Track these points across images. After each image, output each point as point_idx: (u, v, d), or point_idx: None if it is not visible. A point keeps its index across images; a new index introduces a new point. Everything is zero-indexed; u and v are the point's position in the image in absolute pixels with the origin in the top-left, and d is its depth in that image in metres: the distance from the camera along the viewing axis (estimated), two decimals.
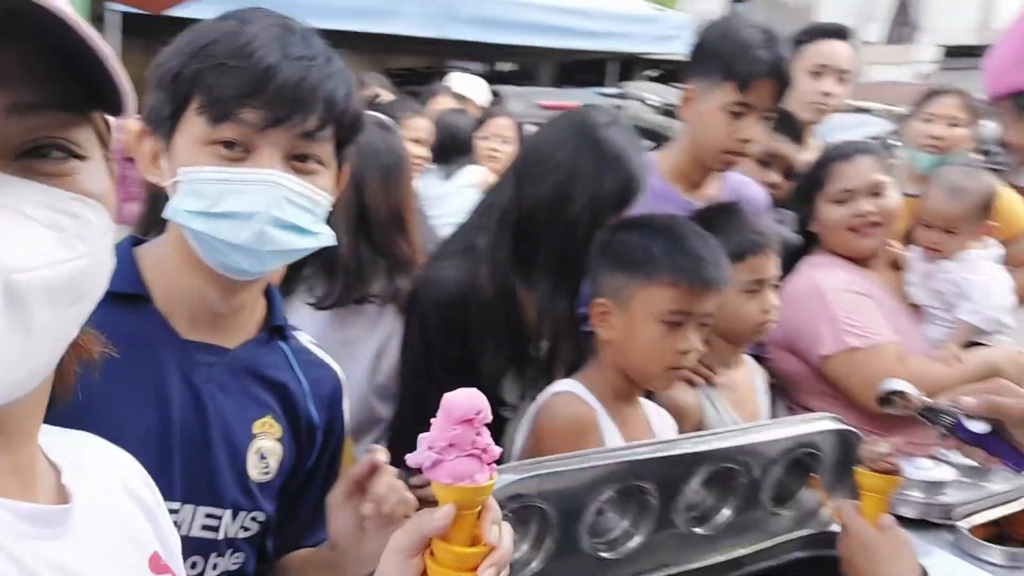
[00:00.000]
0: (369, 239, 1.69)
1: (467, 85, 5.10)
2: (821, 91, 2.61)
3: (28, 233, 0.52)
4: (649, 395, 1.60)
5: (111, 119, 0.62)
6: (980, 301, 2.04)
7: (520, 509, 1.18)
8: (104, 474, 0.72)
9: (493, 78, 16.18)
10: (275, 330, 1.11)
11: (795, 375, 2.04)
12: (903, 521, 1.54)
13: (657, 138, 9.65)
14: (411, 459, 0.72)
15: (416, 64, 13.70)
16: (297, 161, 0.96)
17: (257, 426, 1.06)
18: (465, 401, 0.73)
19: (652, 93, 10.14)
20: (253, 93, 0.92)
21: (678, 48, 11.34)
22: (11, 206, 0.52)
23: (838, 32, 2.75)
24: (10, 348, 0.51)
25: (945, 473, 1.60)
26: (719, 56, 1.83)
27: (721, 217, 1.74)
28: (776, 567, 1.44)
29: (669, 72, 14.80)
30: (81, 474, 0.68)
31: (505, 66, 17.70)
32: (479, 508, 0.73)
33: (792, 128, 2.43)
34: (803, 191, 2.18)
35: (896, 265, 2.21)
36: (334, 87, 0.97)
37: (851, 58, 2.69)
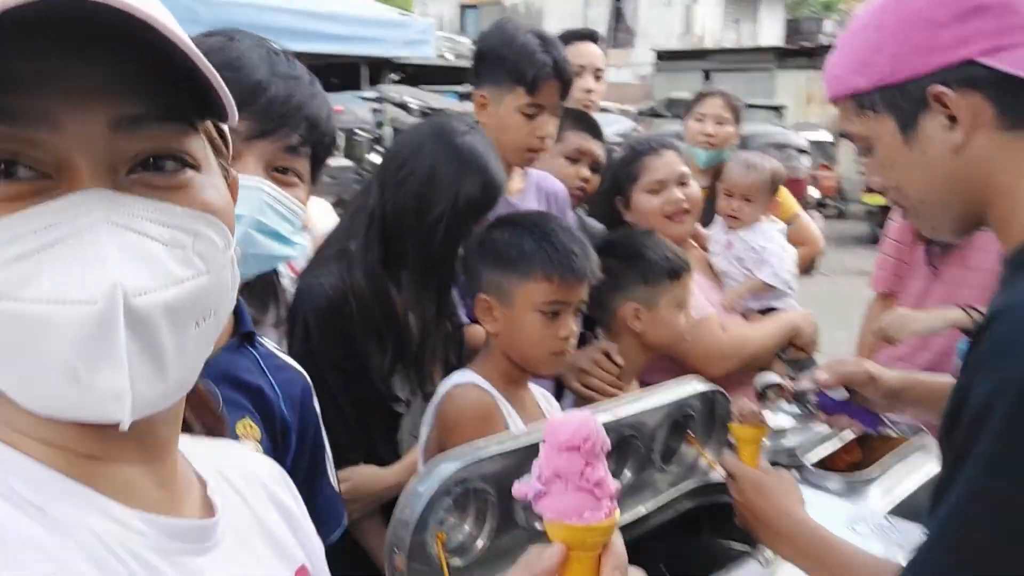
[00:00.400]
0: None
1: None
2: (583, 89, 2.81)
3: (146, 253, 0.50)
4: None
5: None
6: (776, 265, 2.37)
7: (464, 492, 1.23)
8: (249, 484, 0.71)
9: None
10: (245, 336, 1.08)
11: None
12: None
13: None
14: (516, 489, 0.67)
15: None
16: (278, 173, 0.97)
17: (239, 428, 1.03)
18: (570, 425, 0.65)
19: (410, 96, 10.32)
20: (243, 104, 0.91)
21: (427, 52, 11.61)
22: (125, 225, 0.50)
23: (589, 35, 3.01)
24: (143, 372, 0.50)
25: (784, 421, 1.85)
26: (504, 62, 1.96)
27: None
28: (674, 518, 1.59)
29: (412, 75, 15.10)
30: (226, 486, 0.68)
31: None
32: (598, 550, 0.66)
33: (592, 125, 2.64)
34: (615, 184, 2.39)
35: (700, 246, 2.51)
36: (317, 108, 1.01)
37: (602, 58, 2.96)
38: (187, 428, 0.66)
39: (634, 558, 1.50)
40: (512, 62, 1.93)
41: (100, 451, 0.56)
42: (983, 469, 0.88)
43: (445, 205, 1.61)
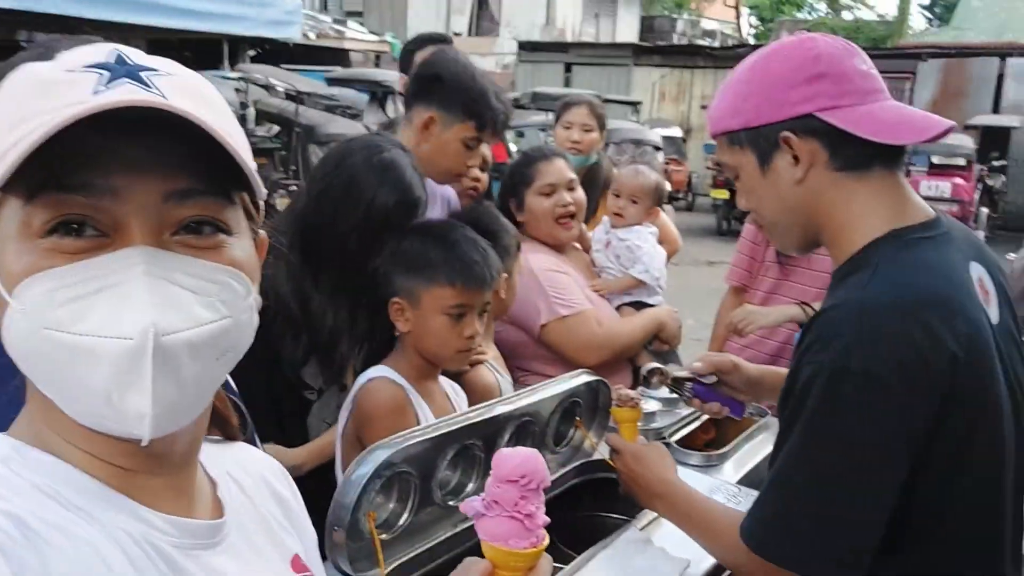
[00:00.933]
0: None
1: None
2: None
3: (177, 300, 0.61)
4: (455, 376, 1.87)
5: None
6: (648, 263, 2.64)
7: (392, 475, 1.40)
8: (252, 480, 0.83)
9: None
10: None
11: (518, 344, 2.45)
12: None
13: (282, 123, 9.60)
14: (464, 506, 0.79)
15: None
16: None
17: None
18: (513, 460, 0.74)
19: (275, 78, 10.09)
20: None
21: (292, 32, 11.39)
22: (165, 277, 0.62)
23: (443, 39, 3.22)
24: (165, 394, 0.61)
25: (652, 405, 2.12)
26: (463, 98, 2.14)
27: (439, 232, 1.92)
28: (562, 493, 1.82)
29: (269, 53, 14.70)
30: (233, 484, 0.79)
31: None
32: (521, 573, 0.74)
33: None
34: (510, 187, 2.58)
35: (584, 247, 2.76)
36: None
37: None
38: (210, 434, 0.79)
39: None
40: (471, 100, 2.13)
41: (132, 464, 0.67)
42: (804, 434, 1.17)
43: (359, 215, 1.74)
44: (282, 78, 10.11)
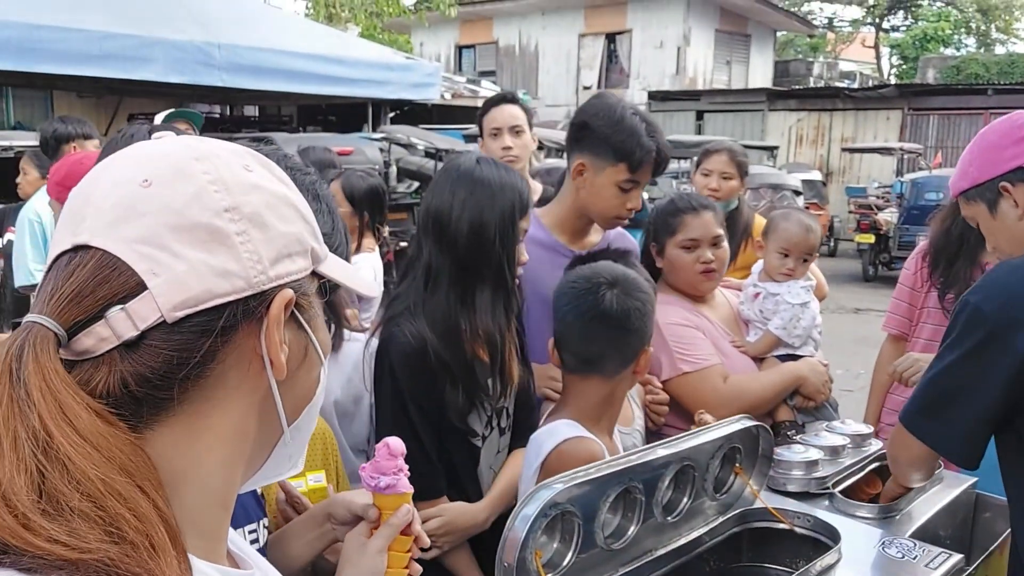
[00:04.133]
0: None
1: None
2: (501, 147, 2.99)
3: None
4: None
5: None
6: (787, 318, 2.51)
7: (557, 515, 1.42)
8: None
9: (238, 122, 15.81)
10: None
11: None
12: (789, 495, 1.97)
13: (422, 179, 9.98)
14: (361, 467, 1.07)
15: (157, 108, 13.05)
16: None
17: None
18: (400, 443, 1.08)
19: (416, 137, 10.55)
20: None
21: (432, 94, 11.90)
22: None
23: (510, 98, 3.22)
24: None
25: (814, 454, 2.04)
26: (611, 141, 2.13)
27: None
28: (722, 542, 1.78)
29: (406, 113, 15.39)
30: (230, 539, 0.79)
31: (248, 109, 17.36)
32: (390, 511, 1.05)
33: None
34: (653, 232, 2.57)
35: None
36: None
37: (520, 116, 3.09)
38: None
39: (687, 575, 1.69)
40: (619, 141, 2.12)
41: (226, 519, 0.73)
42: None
43: (496, 224, 1.80)
44: (422, 137, 10.54)
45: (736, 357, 2.46)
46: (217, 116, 16.34)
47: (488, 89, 21.34)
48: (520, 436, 1.95)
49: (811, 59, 31.82)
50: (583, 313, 1.75)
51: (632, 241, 2.46)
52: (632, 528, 1.57)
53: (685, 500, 1.69)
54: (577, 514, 1.45)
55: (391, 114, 14.70)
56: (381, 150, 10.38)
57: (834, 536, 1.72)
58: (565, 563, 1.46)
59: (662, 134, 2.23)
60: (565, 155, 2.38)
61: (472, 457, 1.85)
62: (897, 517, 1.89)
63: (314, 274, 0.72)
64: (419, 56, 13.84)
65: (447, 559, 1.75)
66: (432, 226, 1.85)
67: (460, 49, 27.93)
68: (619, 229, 2.43)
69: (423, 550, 1.10)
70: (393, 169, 10.37)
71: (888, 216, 13.16)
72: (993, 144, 1.71)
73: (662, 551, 1.65)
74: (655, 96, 21.42)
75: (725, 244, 2.48)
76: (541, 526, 1.38)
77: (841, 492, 1.97)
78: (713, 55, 24.15)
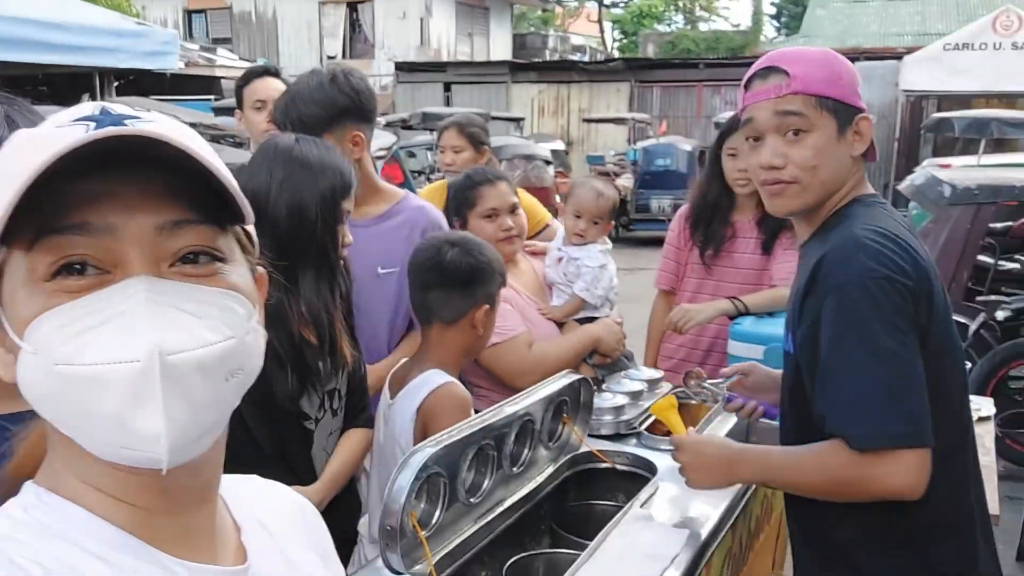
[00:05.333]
0: None
1: None
2: (267, 121, 2.92)
3: (180, 322, 0.63)
4: None
5: None
6: (589, 281, 2.74)
7: (428, 477, 1.52)
8: (282, 525, 0.81)
9: None
10: None
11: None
12: (603, 438, 2.21)
13: None
14: None
15: None
16: None
17: None
18: None
19: (157, 110, 9.84)
20: None
21: (171, 63, 11.11)
22: (168, 303, 0.63)
23: (269, 71, 3.26)
24: (177, 413, 0.62)
25: (621, 400, 2.29)
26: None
27: None
28: (557, 485, 1.97)
29: (133, 83, 14.24)
30: (260, 529, 0.78)
31: None
32: None
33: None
34: (454, 207, 2.68)
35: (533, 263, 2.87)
36: None
37: (281, 88, 2.99)
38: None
39: (530, 520, 1.87)
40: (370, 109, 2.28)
41: (152, 502, 0.67)
42: (860, 335, 1.43)
43: (317, 204, 1.82)
44: (163, 111, 9.87)
45: (541, 323, 2.63)
46: None
47: (225, 58, 20.20)
48: (353, 417, 1.99)
49: (545, 33, 33.40)
50: (421, 268, 1.94)
51: (437, 213, 2.53)
52: (487, 482, 1.71)
53: (527, 451, 1.86)
54: (443, 474, 1.55)
55: (115, 83, 13.53)
56: None
57: (652, 469, 1.97)
58: (434, 521, 1.56)
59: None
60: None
61: (305, 441, 1.86)
62: None
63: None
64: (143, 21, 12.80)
65: None
66: (253, 185, 1.81)
67: (189, 14, 26.15)
68: (423, 202, 2.52)
69: None
70: None
71: (625, 182, 14.28)
72: (852, 76, 1.60)
73: (510, 501, 1.80)
74: (402, 67, 21.45)
75: (522, 211, 2.66)
76: (415, 489, 1.47)
77: (647, 430, 2.23)
78: (455, 26, 24.62)
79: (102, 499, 0.66)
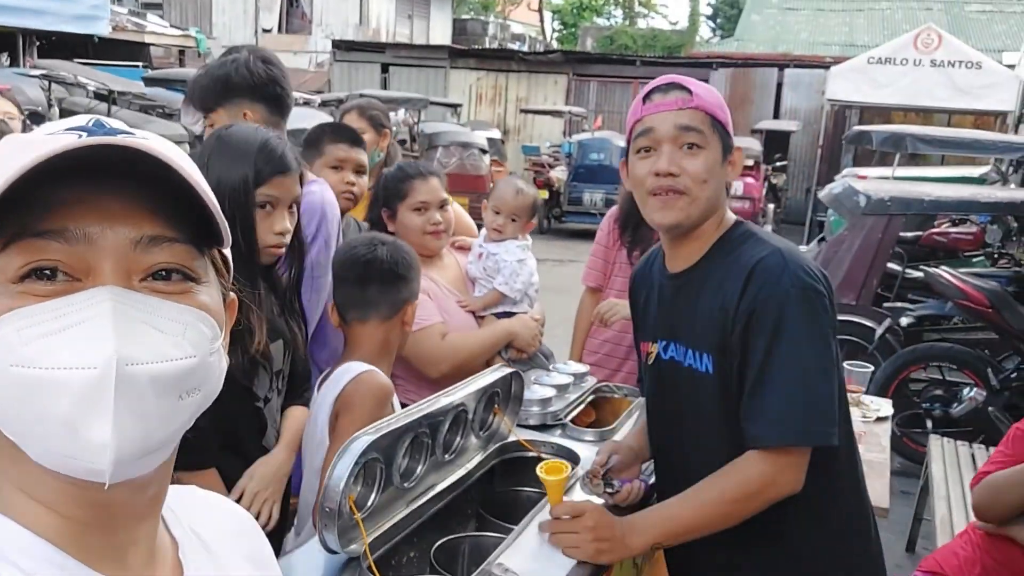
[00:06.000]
0: None
1: None
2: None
3: (142, 335, 0.62)
4: None
5: None
6: (508, 275, 2.79)
7: (366, 463, 1.60)
8: (220, 538, 0.80)
9: None
10: None
11: None
12: (530, 428, 2.32)
13: None
14: None
15: None
16: None
17: None
18: None
19: (84, 76, 9.54)
20: None
21: (100, 29, 10.82)
22: (133, 314, 0.62)
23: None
24: (127, 425, 0.60)
25: (548, 392, 2.41)
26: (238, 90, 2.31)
27: None
28: (486, 472, 2.07)
29: (55, 45, 13.77)
30: (197, 543, 0.76)
31: None
32: None
33: (352, 135, 2.97)
34: (384, 198, 2.68)
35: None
36: None
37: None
38: None
39: (458, 504, 1.97)
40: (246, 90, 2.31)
41: (91, 516, 0.65)
42: (791, 341, 1.56)
43: (227, 188, 1.81)
44: (91, 76, 9.58)
45: (458, 315, 2.69)
46: None
47: (155, 24, 19.63)
48: (294, 396, 2.06)
49: (486, 19, 33.37)
50: (360, 263, 1.98)
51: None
52: (420, 467, 1.80)
53: (459, 439, 1.95)
54: (380, 460, 1.64)
55: (36, 44, 13.06)
56: (41, 88, 9.27)
57: (574, 458, 2.10)
58: (370, 503, 1.65)
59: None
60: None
61: (260, 422, 1.93)
62: (615, 436, 2.31)
63: None
64: None
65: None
66: None
67: None
68: (317, 186, 2.47)
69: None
70: (56, 111, 9.32)
71: (559, 174, 14.48)
72: (729, 116, 1.73)
73: (441, 486, 1.90)
74: (339, 45, 21.19)
75: (451, 206, 2.74)
76: (355, 474, 1.56)
77: (572, 420, 2.36)
78: (395, 7, 24.39)
79: (38, 512, 0.64)
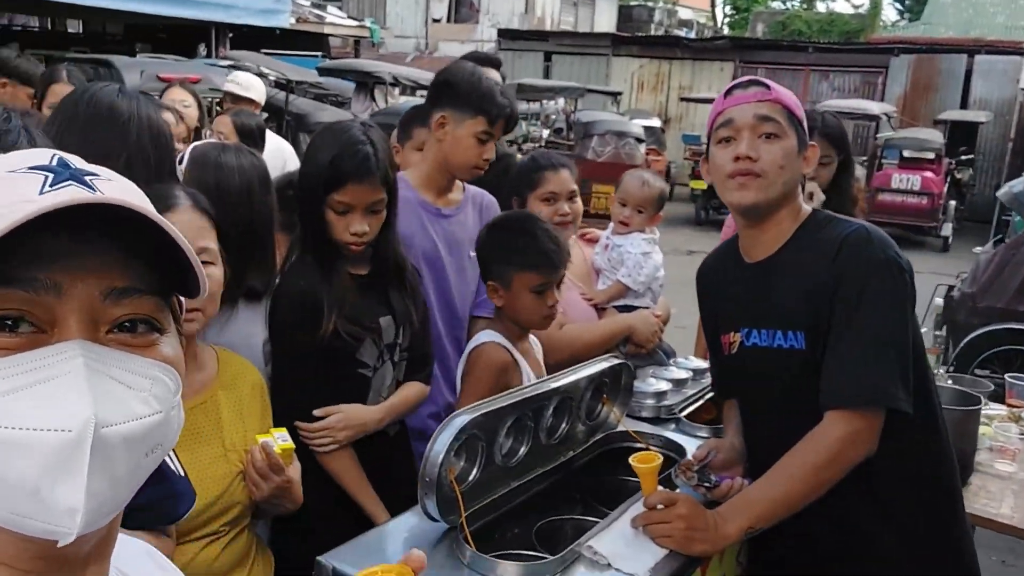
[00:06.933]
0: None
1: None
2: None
3: (114, 393, 0.61)
4: None
5: None
6: (632, 268, 2.84)
7: (467, 439, 1.69)
8: (137, 570, 0.79)
9: (62, 38, 14.62)
10: None
11: None
12: (643, 420, 2.34)
13: (273, 111, 9.80)
14: None
15: None
16: None
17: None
18: None
19: (265, 66, 10.23)
20: None
21: (282, 21, 11.56)
22: (104, 371, 0.61)
23: (491, 62, 3.45)
24: (99, 488, 0.59)
25: (664, 386, 2.42)
26: (471, 95, 2.37)
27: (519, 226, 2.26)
28: (592, 459, 2.12)
29: (245, 36, 14.79)
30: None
31: (71, 25, 16.05)
32: None
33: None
34: (515, 187, 2.77)
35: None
36: None
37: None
38: None
39: (564, 488, 2.03)
40: (479, 96, 2.36)
41: (37, 567, 0.63)
42: (878, 307, 1.67)
43: (304, 189, 2.03)
44: (272, 66, 10.25)
45: (578, 306, 2.74)
46: (36, 29, 15.03)
47: (335, 16, 20.70)
48: (413, 371, 2.19)
49: (652, 5, 32.88)
50: (518, 232, 2.17)
51: (490, 198, 2.67)
52: (522, 449, 1.87)
53: (563, 426, 2.01)
54: (481, 437, 1.73)
55: (229, 36, 14.09)
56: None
57: (680, 452, 2.10)
58: (471, 478, 1.74)
59: (513, 99, 2.50)
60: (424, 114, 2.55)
61: (362, 387, 2.07)
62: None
63: None
64: None
65: (329, 458, 1.99)
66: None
67: None
68: (478, 189, 2.63)
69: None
70: None
71: None
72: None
73: (544, 468, 1.97)
74: (504, 34, 21.56)
75: (579, 201, 2.78)
76: (454, 448, 1.65)
77: (687, 416, 2.36)
78: None
79: None
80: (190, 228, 1.66)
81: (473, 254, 2.37)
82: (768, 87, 1.80)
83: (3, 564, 0.63)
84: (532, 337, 2.31)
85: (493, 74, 3.30)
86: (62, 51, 10.80)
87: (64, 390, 0.58)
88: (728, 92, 1.83)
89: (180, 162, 2.14)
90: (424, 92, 2.79)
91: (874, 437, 1.67)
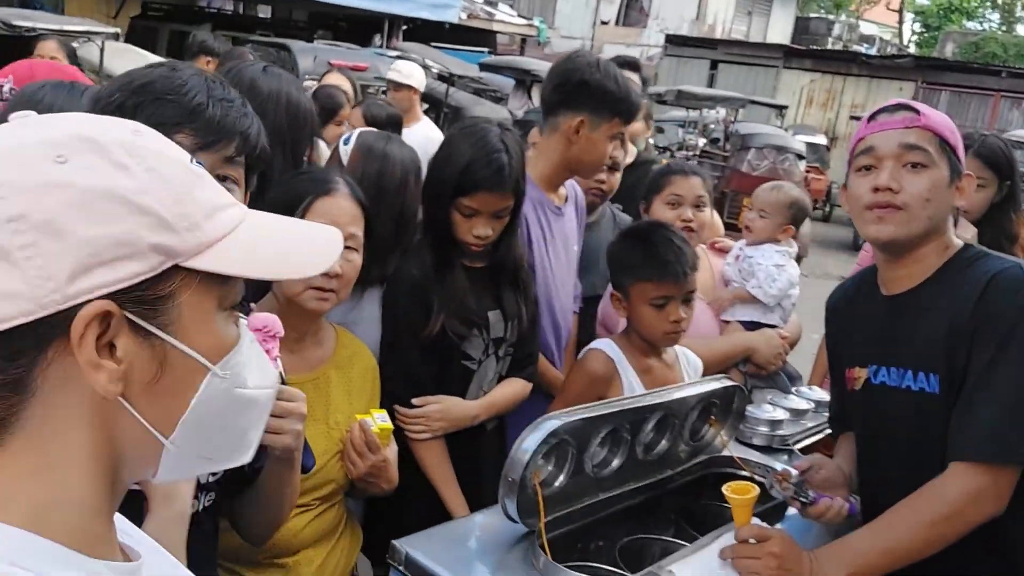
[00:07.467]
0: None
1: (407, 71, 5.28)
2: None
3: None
4: None
5: None
6: (763, 279, 2.69)
7: (556, 443, 1.66)
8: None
9: (251, 22, 15.64)
10: None
11: None
12: (753, 447, 2.23)
13: (433, 102, 10.06)
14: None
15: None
16: (218, 180, 1.09)
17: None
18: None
19: (430, 59, 10.54)
20: (187, 121, 1.18)
21: (451, 16, 11.88)
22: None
23: (632, 64, 3.38)
24: None
25: (780, 414, 2.29)
26: (609, 97, 2.28)
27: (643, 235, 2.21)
28: (690, 481, 2.05)
29: (418, 28, 15.29)
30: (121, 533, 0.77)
31: (262, 10, 17.14)
32: None
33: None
34: (646, 192, 2.72)
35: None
36: (248, 125, 1.24)
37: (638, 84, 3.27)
38: None
39: (658, 507, 1.96)
40: (618, 98, 2.28)
41: (110, 510, 0.69)
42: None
43: (432, 188, 2.06)
44: (436, 59, 10.54)
45: (698, 320, 2.50)
46: (229, 12, 16.13)
47: (505, 13, 21.06)
48: (518, 368, 2.19)
49: (832, 17, 31.44)
50: (639, 240, 2.14)
51: (578, 188, 2.59)
52: (616, 461, 1.82)
53: (664, 443, 1.94)
54: (572, 444, 1.69)
55: (403, 28, 14.61)
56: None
57: None
58: (557, 484, 1.71)
59: (638, 87, 2.45)
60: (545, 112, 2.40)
61: (465, 378, 2.09)
62: None
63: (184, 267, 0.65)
64: None
65: (420, 447, 2.01)
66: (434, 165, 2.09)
67: None
68: (570, 181, 2.53)
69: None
70: None
71: None
72: (961, 142, 1.70)
73: (638, 484, 1.91)
74: (672, 40, 21.24)
75: (707, 210, 2.69)
76: (542, 451, 1.62)
77: (800, 450, 2.23)
78: (735, 3, 23.87)
79: (51, 521, 0.63)
80: (344, 214, 1.72)
81: (576, 247, 2.35)
82: (918, 112, 1.64)
83: (101, 514, 0.68)
84: (690, 355, 2.25)
85: (633, 77, 3.27)
86: (249, 33, 11.55)
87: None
88: (873, 116, 1.69)
89: (346, 143, 2.22)
90: None
91: (1001, 496, 1.51)
